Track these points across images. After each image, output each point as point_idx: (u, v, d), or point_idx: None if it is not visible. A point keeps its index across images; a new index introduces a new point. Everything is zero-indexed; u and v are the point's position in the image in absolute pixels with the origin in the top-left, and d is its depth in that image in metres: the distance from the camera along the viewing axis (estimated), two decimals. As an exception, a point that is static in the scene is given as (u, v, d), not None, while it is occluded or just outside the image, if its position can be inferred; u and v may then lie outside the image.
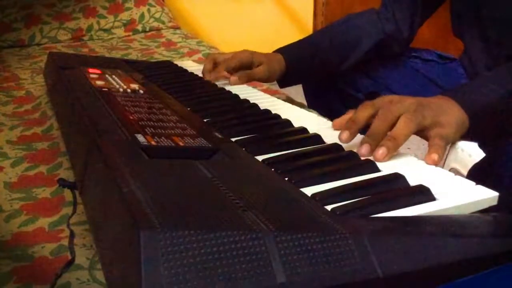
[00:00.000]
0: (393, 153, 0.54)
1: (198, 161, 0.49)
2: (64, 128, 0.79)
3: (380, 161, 0.53)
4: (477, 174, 0.79)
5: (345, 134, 0.57)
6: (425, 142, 0.59)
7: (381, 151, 0.53)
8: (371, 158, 0.53)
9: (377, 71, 1.06)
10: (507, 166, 0.73)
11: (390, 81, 1.05)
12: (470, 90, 0.67)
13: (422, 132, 0.59)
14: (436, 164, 0.53)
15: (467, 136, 0.63)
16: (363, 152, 0.54)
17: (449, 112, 0.60)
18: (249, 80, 0.96)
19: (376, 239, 0.36)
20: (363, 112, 0.59)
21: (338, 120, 0.66)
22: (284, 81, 1.02)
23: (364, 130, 0.59)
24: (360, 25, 1.04)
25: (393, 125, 0.56)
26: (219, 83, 0.94)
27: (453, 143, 0.62)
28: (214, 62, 0.99)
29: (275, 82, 1.04)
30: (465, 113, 0.61)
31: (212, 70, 0.98)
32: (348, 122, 0.59)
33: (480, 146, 0.82)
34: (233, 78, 0.94)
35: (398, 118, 0.56)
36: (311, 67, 1.02)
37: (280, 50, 1.01)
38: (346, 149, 0.56)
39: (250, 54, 0.97)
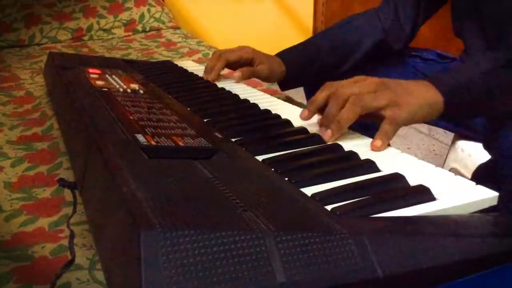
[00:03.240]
0: (338, 135, 0.59)
1: (198, 161, 0.49)
2: (64, 128, 0.79)
3: (327, 141, 0.59)
4: (481, 174, 0.79)
5: (304, 113, 0.65)
6: (425, 142, 0.60)
7: (326, 134, 0.60)
8: (371, 158, 0.53)
9: (377, 70, 1.06)
10: (506, 166, 0.73)
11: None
12: (447, 73, 0.68)
13: (377, 112, 0.60)
14: (379, 150, 0.57)
15: (447, 118, 0.64)
16: (321, 134, 0.60)
17: (414, 94, 0.61)
18: (251, 76, 0.96)
19: (376, 239, 0.36)
20: (321, 93, 0.64)
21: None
22: (285, 84, 1.02)
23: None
24: (359, 26, 1.04)
25: (343, 107, 0.60)
26: (220, 83, 0.94)
27: (428, 123, 0.64)
28: (217, 57, 0.98)
29: (275, 82, 1.04)
30: (439, 93, 0.62)
31: (214, 65, 0.97)
32: (308, 102, 0.65)
33: (485, 147, 0.82)
34: (237, 73, 0.94)
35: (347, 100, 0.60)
36: (311, 71, 1.03)
37: (279, 55, 1.01)
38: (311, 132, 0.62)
39: (252, 51, 0.97)
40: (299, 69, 1.01)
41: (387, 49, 1.04)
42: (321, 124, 0.63)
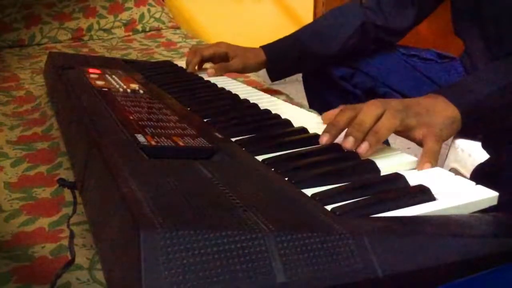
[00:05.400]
0: (375, 147, 0.54)
1: (198, 161, 0.49)
2: (64, 128, 0.79)
3: (363, 156, 0.53)
4: (480, 174, 0.79)
5: (325, 138, 0.57)
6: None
7: (363, 145, 0.53)
8: (370, 158, 0.53)
9: (376, 69, 1.07)
10: (507, 166, 0.73)
11: (388, 78, 1.06)
12: (462, 87, 0.67)
13: (408, 132, 0.58)
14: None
15: (463, 134, 0.63)
16: (347, 145, 0.54)
17: (437, 113, 0.60)
18: (225, 71, 1.03)
19: (376, 239, 0.36)
20: (343, 115, 0.58)
21: (327, 114, 0.66)
22: (272, 73, 1.07)
23: None
24: (339, 14, 1.06)
25: (377, 120, 0.56)
26: (220, 83, 0.94)
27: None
28: (193, 52, 1.06)
29: (275, 82, 1.05)
30: (457, 110, 0.61)
31: (190, 60, 1.05)
32: (328, 125, 0.58)
33: (484, 147, 0.82)
34: (210, 70, 1.01)
35: (382, 113, 0.56)
36: (293, 56, 1.05)
37: (262, 46, 1.06)
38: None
39: (226, 46, 1.04)
40: (281, 56, 1.04)
41: (372, 36, 1.04)
42: (349, 133, 0.55)
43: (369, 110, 0.56)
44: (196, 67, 1.06)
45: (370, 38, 1.05)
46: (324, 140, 0.57)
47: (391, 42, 1.08)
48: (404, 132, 0.58)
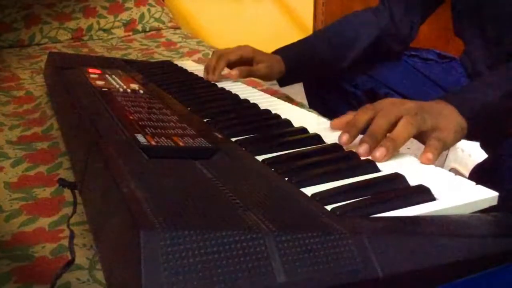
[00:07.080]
0: (392, 154, 0.54)
1: (198, 161, 0.49)
2: (64, 128, 0.79)
3: (379, 161, 0.53)
4: (479, 174, 0.79)
5: (345, 137, 0.57)
6: (426, 142, 0.59)
7: (380, 151, 0.53)
8: (371, 158, 0.53)
9: (376, 69, 1.07)
10: (507, 165, 0.73)
11: (388, 79, 1.06)
12: (467, 94, 0.67)
13: (420, 136, 0.58)
14: (430, 163, 0.53)
15: (467, 138, 0.63)
16: (362, 151, 0.54)
17: (449, 118, 0.60)
18: (249, 76, 0.97)
19: (376, 239, 0.36)
20: (363, 115, 0.58)
21: (337, 121, 0.65)
22: (284, 81, 1.03)
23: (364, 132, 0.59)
24: (356, 24, 1.05)
25: (393, 126, 0.56)
26: (220, 83, 0.94)
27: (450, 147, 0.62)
28: (218, 57, 0.98)
29: (275, 82, 1.05)
30: (463, 118, 0.61)
31: (216, 66, 0.97)
32: (348, 124, 0.59)
33: (482, 146, 0.82)
34: (234, 72, 0.95)
35: (398, 119, 0.56)
36: (310, 68, 1.04)
37: (278, 52, 1.02)
38: (346, 149, 0.56)
39: (252, 51, 0.98)
40: (298, 66, 1.02)
41: (386, 46, 1.05)
42: (364, 141, 0.55)
43: (385, 117, 0.56)
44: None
45: (383, 50, 1.05)
46: (344, 139, 0.57)
47: (401, 51, 1.08)
48: (417, 136, 0.58)
